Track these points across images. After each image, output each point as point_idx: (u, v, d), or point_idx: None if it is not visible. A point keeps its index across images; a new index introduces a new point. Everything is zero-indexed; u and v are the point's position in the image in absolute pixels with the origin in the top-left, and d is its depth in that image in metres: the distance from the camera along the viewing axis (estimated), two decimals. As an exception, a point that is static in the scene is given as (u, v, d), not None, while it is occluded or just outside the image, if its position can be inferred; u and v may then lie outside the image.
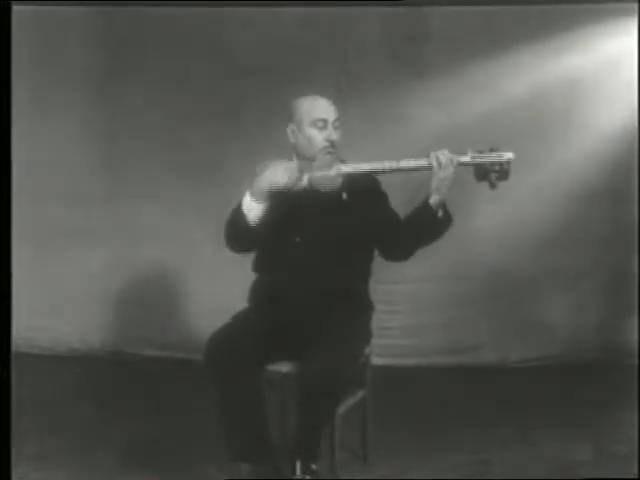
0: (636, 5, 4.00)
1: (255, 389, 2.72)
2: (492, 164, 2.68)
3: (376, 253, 2.94)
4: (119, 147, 4.57)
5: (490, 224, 4.41)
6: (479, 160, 2.69)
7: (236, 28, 4.41)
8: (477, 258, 4.43)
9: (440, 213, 2.74)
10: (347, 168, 2.77)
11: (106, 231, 4.61)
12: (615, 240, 4.40)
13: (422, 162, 2.72)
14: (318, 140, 2.81)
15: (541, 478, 3.03)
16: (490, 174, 2.68)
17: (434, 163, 2.69)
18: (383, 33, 4.38)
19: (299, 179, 2.73)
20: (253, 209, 2.73)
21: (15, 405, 2.52)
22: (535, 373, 4.33)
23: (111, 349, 4.64)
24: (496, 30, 4.29)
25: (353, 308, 2.86)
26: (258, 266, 2.95)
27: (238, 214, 2.75)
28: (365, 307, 2.94)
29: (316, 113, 2.82)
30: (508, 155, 2.68)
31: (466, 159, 2.70)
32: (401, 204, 2.88)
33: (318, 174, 2.74)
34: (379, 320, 3.17)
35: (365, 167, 2.78)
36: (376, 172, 2.80)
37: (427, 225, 2.75)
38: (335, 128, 2.83)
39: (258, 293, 2.94)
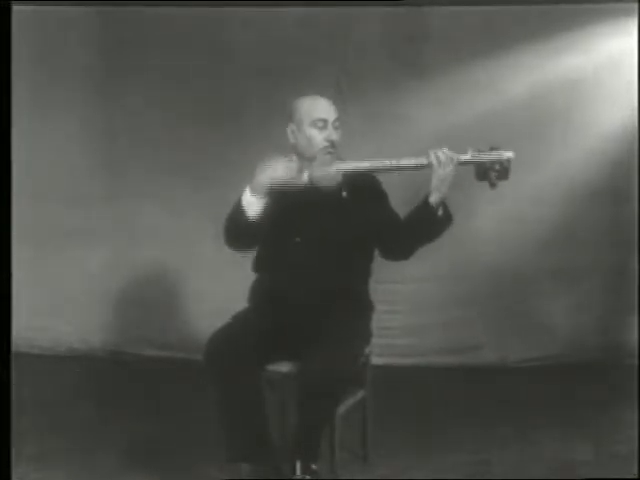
0: (636, 5, 4.00)
1: (255, 389, 2.72)
2: (492, 163, 2.68)
3: (376, 253, 2.94)
4: (119, 147, 4.57)
5: (490, 224, 4.40)
6: (479, 158, 2.69)
7: (236, 28, 4.41)
8: (477, 258, 4.43)
9: (440, 212, 2.74)
10: (347, 165, 2.77)
11: (106, 231, 4.60)
12: (615, 240, 4.39)
13: (422, 160, 2.72)
14: (318, 140, 2.81)
15: (541, 478, 3.03)
16: (490, 173, 2.68)
17: (434, 161, 2.69)
18: (383, 33, 4.37)
19: (299, 175, 2.74)
20: (253, 204, 2.73)
21: (15, 405, 2.51)
22: (535, 373, 4.32)
23: (111, 349, 4.64)
24: (496, 30, 4.28)
25: (353, 308, 2.86)
26: (258, 266, 2.95)
27: (238, 209, 2.75)
28: (365, 307, 2.94)
29: (316, 113, 2.83)
30: (508, 154, 2.69)
31: (466, 157, 2.70)
32: (401, 204, 2.89)
33: (318, 171, 2.75)
34: (379, 320, 3.16)
35: (365, 165, 2.78)
36: (376, 170, 2.81)
37: (427, 224, 2.75)
38: (335, 128, 2.83)
39: (258, 293, 2.94)
